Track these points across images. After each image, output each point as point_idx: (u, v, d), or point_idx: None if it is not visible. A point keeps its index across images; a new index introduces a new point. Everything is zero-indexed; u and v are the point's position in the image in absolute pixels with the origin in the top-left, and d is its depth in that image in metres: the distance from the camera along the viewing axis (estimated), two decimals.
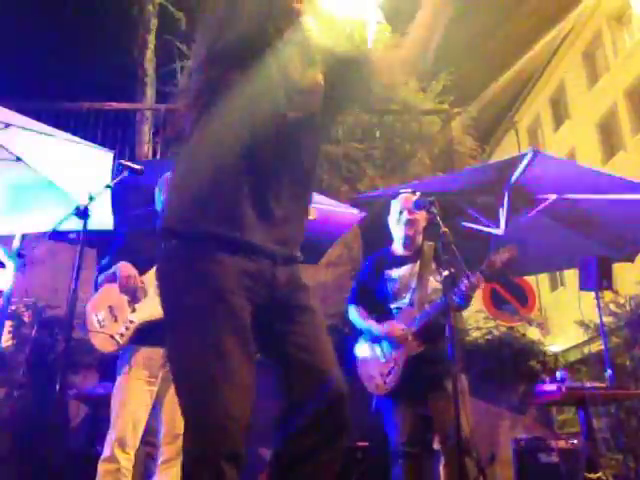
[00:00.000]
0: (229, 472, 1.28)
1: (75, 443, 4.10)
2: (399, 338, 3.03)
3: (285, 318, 1.50)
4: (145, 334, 2.69)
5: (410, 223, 3.22)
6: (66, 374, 2.64)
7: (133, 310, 2.72)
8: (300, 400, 1.44)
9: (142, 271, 2.76)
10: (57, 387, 2.51)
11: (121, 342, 2.67)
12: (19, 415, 4.46)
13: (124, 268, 2.75)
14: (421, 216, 3.20)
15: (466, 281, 2.82)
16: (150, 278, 2.75)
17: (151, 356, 2.71)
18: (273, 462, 1.46)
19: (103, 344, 2.71)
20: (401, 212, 3.25)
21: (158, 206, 2.97)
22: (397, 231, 3.28)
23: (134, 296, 2.73)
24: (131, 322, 2.69)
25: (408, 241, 3.24)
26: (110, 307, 2.74)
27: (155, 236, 2.81)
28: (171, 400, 2.71)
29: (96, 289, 2.87)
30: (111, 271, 2.77)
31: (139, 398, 2.66)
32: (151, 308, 2.70)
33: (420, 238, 3.27)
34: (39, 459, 3.93)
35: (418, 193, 2.91)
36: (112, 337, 2.67)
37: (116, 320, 2.72)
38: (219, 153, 1.45)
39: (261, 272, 1.45)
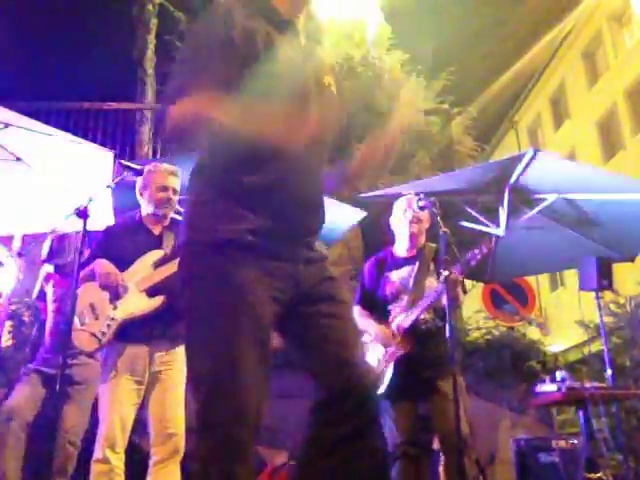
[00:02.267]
0: (240, 474, 1.29)
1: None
2: (385, 342, 3.05)
3: (313, 312, 1.53)
4: (128, 331, 2.66)
5: (415, 221, 3.21)
6: (66, 374, 2.63)
7: (115, 307, 2.68)
8: (330, 392, 1.47)
9: (123, 267, 2.74)
10: (57, 387, 2.50)
11: (103, 340, 2.63)
12: None
13: (102, 265, 2.71)
14: (425, 216, 3.20)
15: (444, 278, 2.80)
16: (131, 274, 2.73)
17: (136, 354, 2.68)
18: (304, 449, 1.48)
19: (85, 342, 2.66)
20: (406, 210, 3.25)
21: (140, 203, 2.96)
22: (401, 229, 3.27)
23: (115, 293, 2.69)
24: (113, 319, 2.65)
25: (412, 239, 3.23)
26: (91, 305, 2.70)
27: (135, 232, 2.82)
28: (158, 400, 2.68)
29: (76, 287, 2.85)
30: (89, 268, 2.73)
31: (126, 397, 2.63)
32: (133, 304, 2.68)
33: (423, 238, 3.27)
34: (39, 459, 3.93)
35: (421, 195, 2.91)
36: (94, 335, 2.63)
37: (97, 318, 2.67)
38: (238, 162, 1.46)
39: (284, 271, 1.48)
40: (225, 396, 1.33)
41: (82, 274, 2.72)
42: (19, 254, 3.49)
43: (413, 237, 3.22)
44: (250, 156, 1.45)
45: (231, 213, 1.44)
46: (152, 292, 2.71)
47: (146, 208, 2.91)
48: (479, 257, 2.92)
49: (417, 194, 3.04)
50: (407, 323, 3.02)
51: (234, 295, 1.40)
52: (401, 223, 3.26)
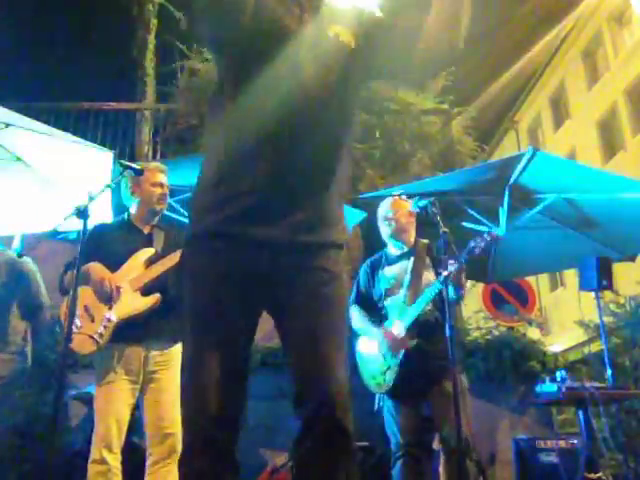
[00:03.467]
0: (205, 464, 1.32)
1: (75, 443, 4.10)
2: (394, 344, 3.05)
3: (290, 310, 1.44)
4: (124, 331, 2.65)
5: (390, 222, 3.29)
6: (66, 374, 2.62)
7: (110, 308, 2.67)
8: (298, 399, 1.40)
9: (114, 267, 2.73)
10: (57, 387, 2.50)
11: (101, 342, 2.62)
12: (19, 415, 4.46)
13: (97, 270, 2.70)
14: (402, 214, 3.25)
15: (447, 269, 2.82)
16: (123, 273, 2.73)
17: (131, 354, 2.68)
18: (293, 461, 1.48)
19: (82, 345, 2.64)
20: (383, 213, 3.34)
21: (130, 203, 2.96)
22: (383, 232, 3.35)
23: (108, 297, 2.68)
24: (109, 320, 2.64)
25: (393, 240, 3.30)
26: (85, 307, 2.68)
27: (125, 232, 2.82)
28: (153, 400, 2.69)
29: (61, 288, 2.81)
30: (82, 269, 2.65)
31: (122, 398, 2.64)
32: (128, 304, 2.68)
33: (408, 235, 3.29)
34: (39, 459, 3.93)
35: (404, 196, 2.98)
36: (91, 337, 2.62)
37: (93, 320, 2.66)
38: (219, 146, 1.46)
39: (259, 262, 1.40)
40: (190, 392, 1.38)
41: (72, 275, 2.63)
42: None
43: (392, 237, 3.30)
44: (233, 144, 1.41)
45: (209, 204, 1.43)
46: (146, 291, 2.71)
47: (139, 206, 2.92)
48: (483, 245, 2.97)
49: (399, 195, 3.11)
50: (408, 320, 3.03)
51: (202, 289, 1.41)
52: (382, 226, 3.35)
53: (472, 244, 3.03)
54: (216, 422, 1.34)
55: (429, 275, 3.16)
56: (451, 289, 2.90)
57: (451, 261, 2.83)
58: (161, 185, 2.92)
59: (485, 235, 3.05)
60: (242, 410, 1.41)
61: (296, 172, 1.40)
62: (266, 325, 1.61)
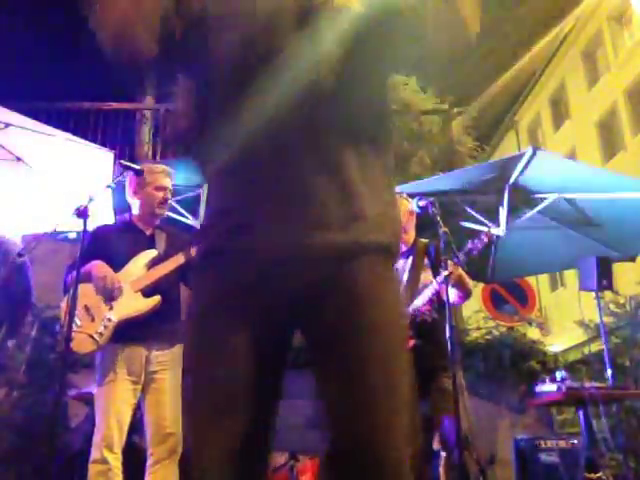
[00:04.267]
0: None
1: (75, 443, 4.10)
2: None
3: (315, 339, 1.12)
4: (124, 332, 2.65)
5: None
6: (66, 374, 2.62)
7: (110, 308, 2.67)
8: (332, 457, 1.10)
9: (116, 268, 2.73)
10: (57, 387, 2.50)
11: (100, 341, 2.62)
12: (19, 415, 4.46)
13: (99, 268, 2.69)
14: (402, 214, 3.24)
15: (443, 271, 2.82)
16: (125, 275, 2.73)
17: (132, 355, 2.68)
18: None
19: (82, 345, 2.63)
20: None
21: (132, 204, 2.95)
22: None
23: (110, 296, 2.68)
24: (109, 320, 2.64)
25: None
26: (86, 306, 2.68)
27: (127, 233, 2.82)
28: (155, 400, 2.69)
29: (65, 289, 2.80)
30: (84, 270, 2.69)
31: (123, 398, 2.64)
32: (129, 305, 2.68)
33: (407, 235, 3.28)
34: (39, 459, 3.94)
35: (404, 194, 2.97)
36: (91, 337, 2.62)
37: (93, 319, 2.66)
38: (208, 156, 1.24)
39: (265, 277, 1.09)
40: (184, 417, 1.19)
41: (73, 276, 2.63)
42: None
43: None
44: (229, 155, 1.14)
45: (210, 219, 1.22)
46: (147, 292, 2.71)
47: (140, 208, 2.91)
48: (480, 247, 2.97)
49: (412, 195, 3.10)
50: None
51: (197, 312, 1.18)
52: None
53: (469, 246, 3.02)
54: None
55: (427, 275, 3.16)
56: (452, 291, 2.90)
57: (450, 262, 2.83)
58: (165, 189, 2.91)
59: (482, 236, 3.05)
60: None
61: (302, 166, 1.10)
62: None
